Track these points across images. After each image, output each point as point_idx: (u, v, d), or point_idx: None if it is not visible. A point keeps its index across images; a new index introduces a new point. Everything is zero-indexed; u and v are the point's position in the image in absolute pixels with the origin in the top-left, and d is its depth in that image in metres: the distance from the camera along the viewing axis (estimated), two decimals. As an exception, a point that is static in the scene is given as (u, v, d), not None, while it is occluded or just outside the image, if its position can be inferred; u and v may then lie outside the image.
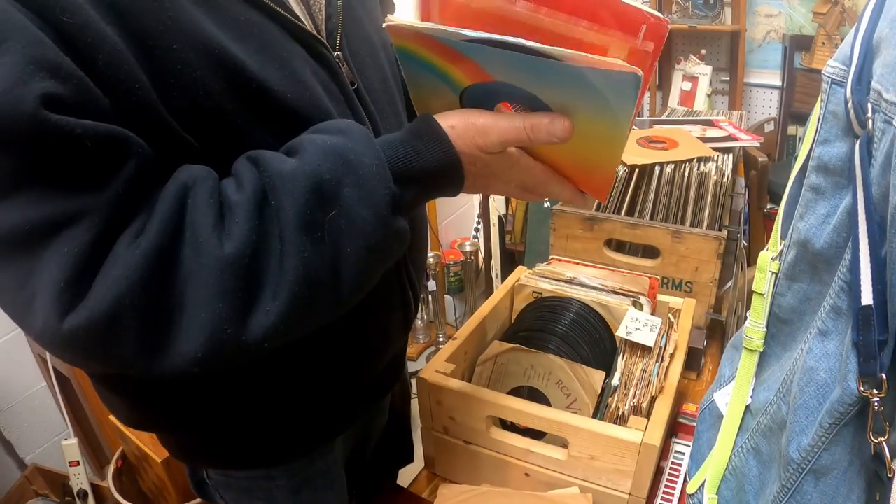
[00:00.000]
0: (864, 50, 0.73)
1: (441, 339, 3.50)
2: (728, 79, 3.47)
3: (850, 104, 0.71)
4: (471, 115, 0.79)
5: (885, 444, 0.65)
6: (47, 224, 0.62)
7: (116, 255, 0.65)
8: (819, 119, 0.79)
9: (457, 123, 0.78)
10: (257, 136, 0.79)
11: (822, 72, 0.80)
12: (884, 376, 0.64)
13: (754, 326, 0.88)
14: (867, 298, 0.65)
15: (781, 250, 0.86)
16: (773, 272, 0.86)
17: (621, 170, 1.60)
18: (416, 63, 0.81)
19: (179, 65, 0.71)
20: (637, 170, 1.59)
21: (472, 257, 3.60)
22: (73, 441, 2.40)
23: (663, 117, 2.29)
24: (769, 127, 3.34)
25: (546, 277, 1.36)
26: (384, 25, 0.72)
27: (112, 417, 2.04)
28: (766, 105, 3.50)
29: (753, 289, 0.88)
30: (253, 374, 0.92)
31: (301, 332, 0.76)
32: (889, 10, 0.72)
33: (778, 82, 3.41)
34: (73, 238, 0.63)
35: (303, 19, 0.86)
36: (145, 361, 0.68)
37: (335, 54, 0.90)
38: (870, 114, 0.67)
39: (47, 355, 2.29)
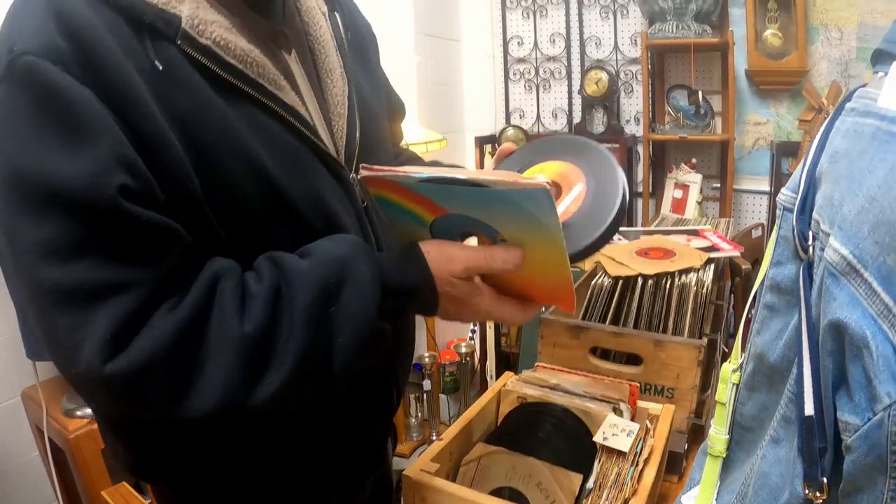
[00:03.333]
0: (808, 181, 0.80)
1: (434, 437, 3.50)
2: (719, 185, 3.56)
3: (794, 231, 0.79)
4: (443, 245, 0.94)
5: (828, 543, 0.70)
6: (104, 287, 0.79)
7: (155, 321, 0.81)
8: (774, 242, 0.86)
9: (431, 251, 0.93)
10: (276, 234, 0.95)
11: (777, 198, 0.87)
12: (825, 480, 0.69)
13: (717, 433, 0.94)
14: (809, 409, 0.70)
15: (742, 363, 0.92)
16: (734, 383, 0.92)
17: (606, 281, 1.67)
18: (390, 206, 0.96)
19: (225, 172, 0.88)
20: (621, 281, 1.66)
21: (468, 358, 3.64)
22: (62, 513, 2.40)
23: (652, 227, 2.38)
24: (757, 233, 3.40)
25: (531, 383, 1.42)
26: (359, 177, 0.89)
27: (104, 493, 2.06)
28: (756, 210, 3.57)
29: (716, 398, 0.94)
30: (240, 444, 1.04)
31: (295, 402, 0.91)
32: (830, 145, 0.79)
33: (767, 188, 3.49)
34: (121, 302, 0.79)
35: (328, 144, 1.02)
36: (166, 408, 0.82)
37: (351, 176, 1.06)
38: (811, 241, 0.75)
39: (44, 425, 2.32)
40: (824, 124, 0.83)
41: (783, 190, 0.86)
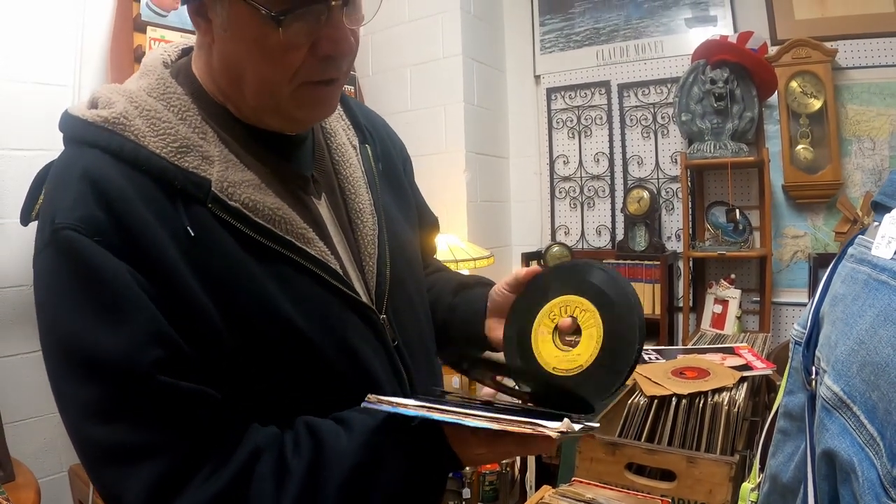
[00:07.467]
0: (813, 320, 0.89)
1: (473, 548, 3.52)
2: (758, 299, 3.59)
3: (800, 366, 0.87)
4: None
5: None
6: (136, 450, 0.83)
7: (190, 489, 0.84)
8: (787, 373, 0.95)
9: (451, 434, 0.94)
10: (308, 383, 1.00)
11: (790, 333, 0.96)
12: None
13: (738, 546, 1.01)
14: (813, 526, 0.79)
15: (759, 482, 0.99)
16: (752, 501, 1.00)
17: (642, 400, 1.76)
18: None
19: (256, 331, 0.94)
20: (656, 400, 1.74)
21: (508, 468, 3.66)
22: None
23: (689, 346, 2.45)
24: (795, 346, 3.40)
25: (568, 497, 1.49)
26: (362, 405, 0.90)
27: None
28: (795, 322, 3.54)
29: (736, 515, 1.01)
30: None
31: None
32: (833, 289, 0.86)
33: (806, 300, 3.47)
34: (153, 466, 0.83)
35: (358, 289, 1.06)
36: None
37: (382, 317, 1.09)
38: (813, 375, 0.83)
39: (90, 502, 2.41)
40: (830, 267, 0.91)
41: (795, 325, 0.95)
